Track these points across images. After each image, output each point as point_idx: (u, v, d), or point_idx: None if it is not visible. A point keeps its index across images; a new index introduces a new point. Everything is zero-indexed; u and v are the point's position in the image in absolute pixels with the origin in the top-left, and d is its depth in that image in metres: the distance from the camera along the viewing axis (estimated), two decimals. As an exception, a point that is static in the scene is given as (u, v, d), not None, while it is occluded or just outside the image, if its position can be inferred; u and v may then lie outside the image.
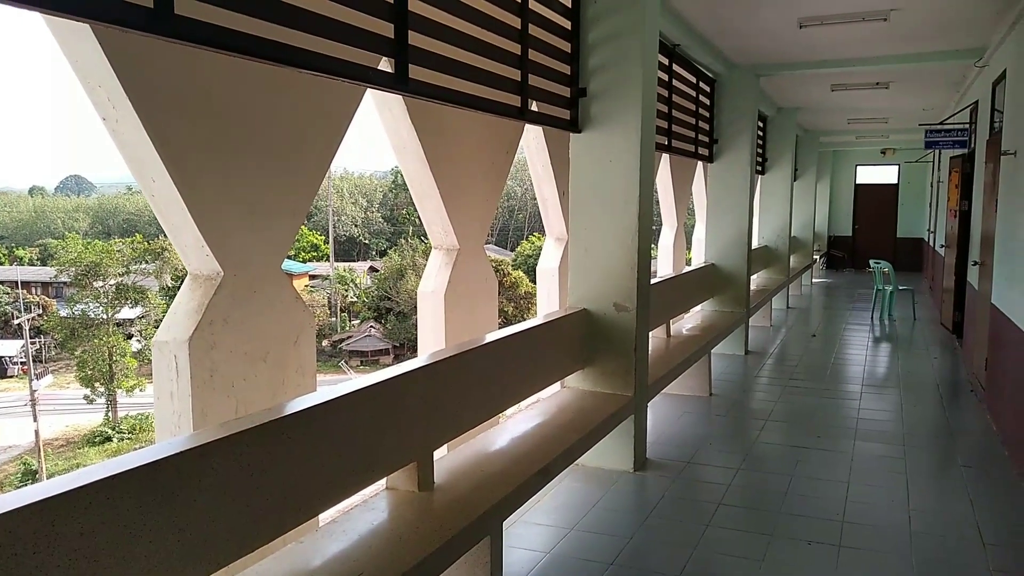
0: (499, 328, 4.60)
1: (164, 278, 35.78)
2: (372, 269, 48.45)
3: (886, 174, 20.31)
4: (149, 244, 36.47)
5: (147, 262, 35.84)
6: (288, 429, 2.42)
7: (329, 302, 43.44)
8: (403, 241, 45.05)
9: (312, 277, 46.52)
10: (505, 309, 34.10)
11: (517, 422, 4.19)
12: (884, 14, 6.09)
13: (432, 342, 4.82)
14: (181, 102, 2.80)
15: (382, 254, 53.40)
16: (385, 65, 3.15)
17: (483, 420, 3.67)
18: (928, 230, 15.81)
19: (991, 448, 5.47)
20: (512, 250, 51.08)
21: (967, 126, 9.61)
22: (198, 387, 2.94)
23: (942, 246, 11.22)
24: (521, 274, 36.48)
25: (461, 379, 3.44)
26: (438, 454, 3.33)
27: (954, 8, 6.02)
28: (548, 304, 6.14)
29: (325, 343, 40.10)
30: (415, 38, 3.15)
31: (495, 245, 56.42)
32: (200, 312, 2.95)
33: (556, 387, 4.85)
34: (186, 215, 2.89)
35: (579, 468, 4.81)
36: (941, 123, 10.31)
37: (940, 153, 12.96)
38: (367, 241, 62.38)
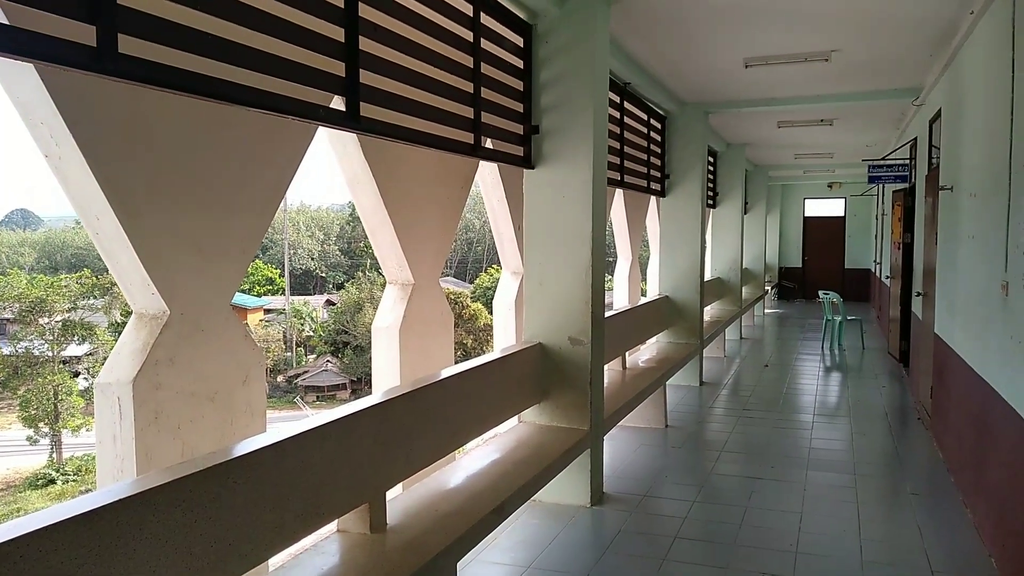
0: (457, 362, 4.57)
1: (113, 314, 34.89)
2: (329, 303, 47.92)
3: (833, 207, 20.95)
4: (98, 279, 35.54)
5: (96, 297, 34.93)
6: (235, 472, 2.37)
7: (284, 337, 42.77)
8: (360, 274, 44.76)
9: (267, 311, 45.76)
10: (464, 341, 33.97)
11: (473, 459, 4.16)
12: (825, 55, 6.33)
13: (387, 378, 4.77)
14: (126, 139, 2.76)
15: (339, 287, 52.85)
16: (337, 103, 3.15)
17: (438, 458, 3.63)
18: (875, 261, 16.27)
19: (937, 475, 5.60)
20: (471, 282, 51.06)
21: (908, 162, 9.96)
22: (142, 429, 2.85)
23: (888, 277, 11.54)
24: (480, 306, 36.43)
25: (415, 417, 3.40)
26: (391, 494, 3.28)
27: (891, 49, 6.29)
28: (505, 338, 6.14)
29: (280, 378, 39.40)
30: (367, 76, 3.16)
31: (454, 277, 56.39)
32: (145, 352, 2.88)
33: (513, 421, 4.83)
34: (131, 253, 2.84)
35: (536, 504, 4.78)
36: (883, 159, 10.66)
37: (884, 187, 13.39)
38: (324, 274, 61.77)
